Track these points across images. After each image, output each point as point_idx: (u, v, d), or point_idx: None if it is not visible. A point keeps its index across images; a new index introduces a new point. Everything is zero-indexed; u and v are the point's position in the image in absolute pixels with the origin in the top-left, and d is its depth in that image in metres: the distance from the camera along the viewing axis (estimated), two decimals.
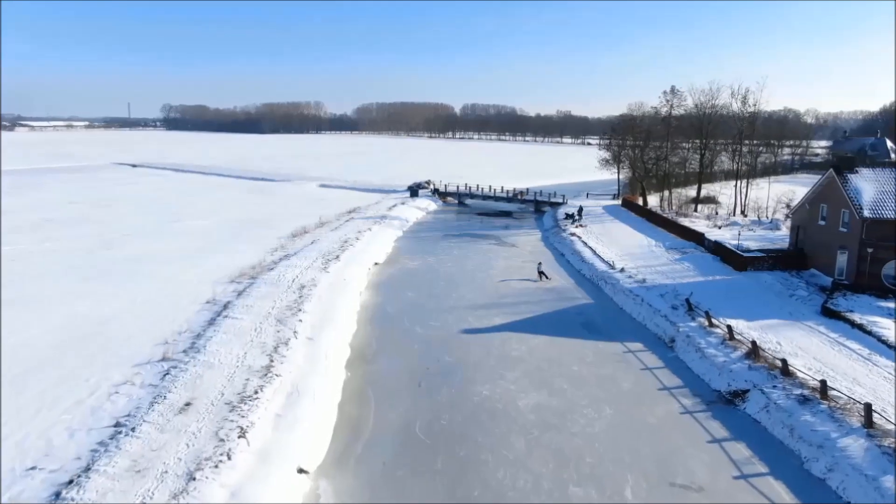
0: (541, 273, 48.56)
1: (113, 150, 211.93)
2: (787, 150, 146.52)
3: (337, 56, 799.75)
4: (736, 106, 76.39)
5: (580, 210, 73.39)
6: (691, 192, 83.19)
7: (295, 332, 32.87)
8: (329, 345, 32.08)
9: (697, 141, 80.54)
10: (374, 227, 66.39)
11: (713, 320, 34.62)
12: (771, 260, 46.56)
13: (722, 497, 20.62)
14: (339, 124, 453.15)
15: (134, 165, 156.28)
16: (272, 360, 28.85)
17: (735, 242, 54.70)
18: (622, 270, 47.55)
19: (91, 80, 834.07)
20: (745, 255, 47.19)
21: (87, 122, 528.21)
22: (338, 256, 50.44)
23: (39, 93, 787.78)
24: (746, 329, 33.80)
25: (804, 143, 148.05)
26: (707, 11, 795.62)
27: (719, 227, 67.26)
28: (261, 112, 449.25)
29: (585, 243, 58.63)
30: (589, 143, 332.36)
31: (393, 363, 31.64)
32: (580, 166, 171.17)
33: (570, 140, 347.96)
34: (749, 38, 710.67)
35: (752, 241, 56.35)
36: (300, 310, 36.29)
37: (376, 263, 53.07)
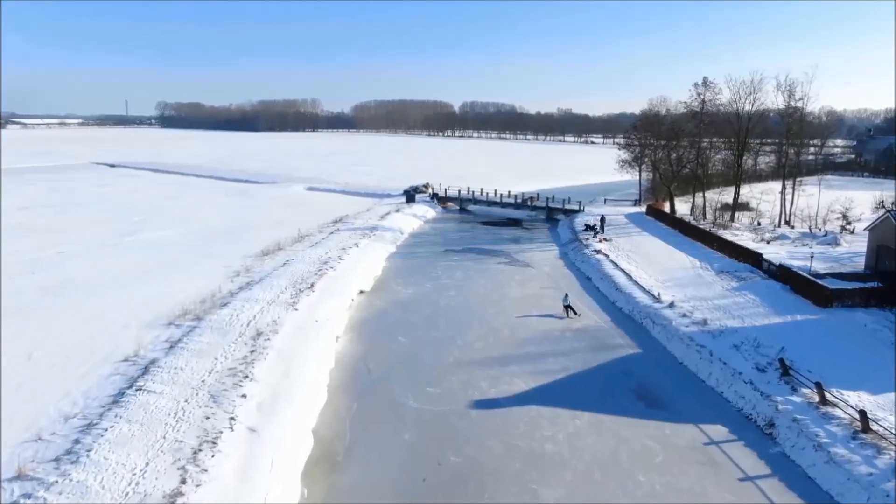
0: (568, 308, 38.48)
1: (98, 148, 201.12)
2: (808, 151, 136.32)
3: (334, 53, 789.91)
4: (780, 100, 66.26)
5: (602, 220, 63.23)
6: (720, 196, 73.02)
7: (233, 417, 22.77)
8: (280, 439, 21.98)
9: (733, 140, 70.46)
10: (361, 241, 56.23)
11: (826, 394, 24.54)
12: (865, 294, 36.46)
13: None
14: (337, 122, 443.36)
15: (112, 165, 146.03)
16: (184, 480, 18.74)
17: (799, 263, 44.82)
18: (671, 305, 37.42)
19: (89, 77, 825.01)
20: (831, 286, 37.07)
21: (80, 120, 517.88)
22: (312, 285, 40.27)
23: (37, 90, 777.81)
24: (876, 408, 23.77)
25: (826, 142, 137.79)
26: (706, 10, 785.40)
27: (767, 242, 57.32)
28: (256, 110, 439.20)
29: (616, 264, 48.50)
30: (592, 142, 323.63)
31: (372, 470, 21.53)
32: (588, 166, 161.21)
33: (572, 139, 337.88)
34: (742, 37, 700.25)
35: (813, 260, 46.47)
36: (247, 376, 26.15)
37: (361, 292, 42.96)
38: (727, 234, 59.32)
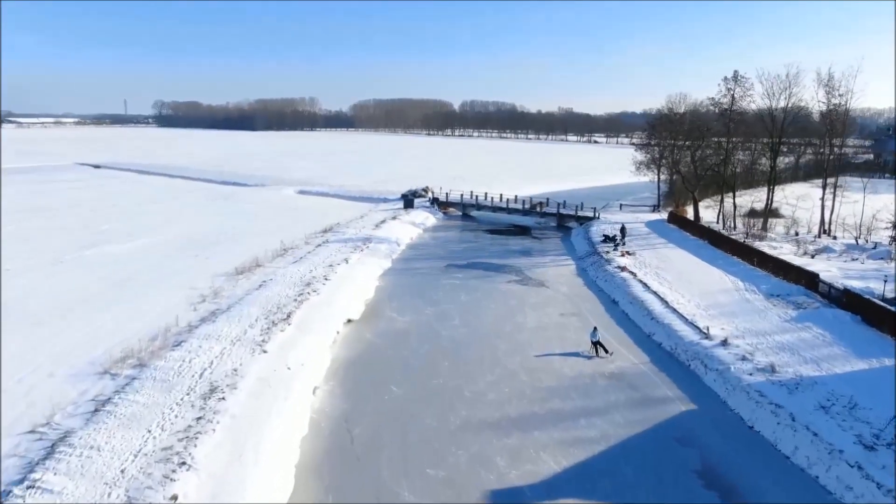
0: (597, 344, 31.79)
1: (87, 148, 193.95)
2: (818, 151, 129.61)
3: (333, 52, 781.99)
4: (821, 95, 59.48)
5: (623, 231, 56.44)
6: (741, 200, 66.23)
7: None
8: None
9: (765, 140, 63.85)
10: (352, 255, 49.48)
11: None
12: None
13: None
14: (335, 121, 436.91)
15: (97, 166, 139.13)
16: None
17: (859, 284, 38.31)
18: (725, 343, 30.68)
19: (88, 76, 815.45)
20: None
21: (77, 119, 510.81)
22: (289, 316, 33.51)
23: (35, 89, 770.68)
24: None
25: (845, 142, 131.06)
26: (705, 10, 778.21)
27: (812, 256, 50.68)
28: (254, 108, 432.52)
29: (646, 285, 41.77)
30: (595, 141, 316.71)
31: None
32: (594, 166, 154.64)
33: (574, 138, 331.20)
34: (742, 36, 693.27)
35: (872, 280, 39.94)
36: (184, 462, 19.42)
37: (349, 321, 36.24)
38: (764, 247, 52.64)
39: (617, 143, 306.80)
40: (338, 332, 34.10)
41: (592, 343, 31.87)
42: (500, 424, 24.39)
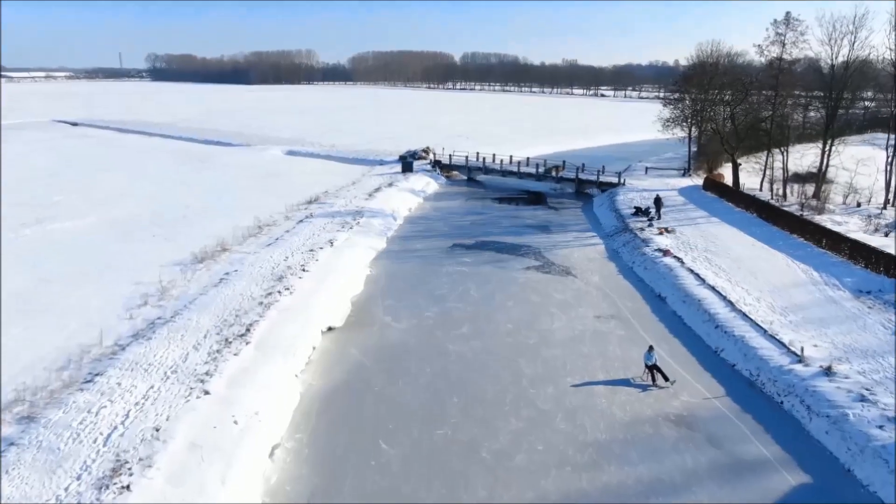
0: (652, 369, 24.03)
1: (71, 104, 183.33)
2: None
3: (331, 1, 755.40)
4: (889, 43, 50.19)
5: (658, 202, 48.10)
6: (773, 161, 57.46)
7: None
8: None
9: (822, 94, 55.03)
10: (339, 235, 41.45)
11: None
12: None
13: None
14: (333, 74, 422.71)
15: (75, 124, 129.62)
16: None
17: None
18: (828, 372, 22.82)
19: (83, 29, 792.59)
20: None
21: (69, 73, 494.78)
22: (249, 329, 25.70)
23: (31, 44, 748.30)
24: None
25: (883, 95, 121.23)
26: None
27: (885, 234, 42.58)
28: (250, 61, 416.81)
29: (699, 276, 33.72)
30: (602, 95, 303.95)
31: None
32: (607, 123, 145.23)
33: (580, 91, 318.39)
34: None
35: None
36: None
37: (330, 329, 28.45)
38: (826, 222, 44.62)
39: (625, 96, 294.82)
40: (314, 349, 26.33)
41: (647, 367, 24.13)
42: None
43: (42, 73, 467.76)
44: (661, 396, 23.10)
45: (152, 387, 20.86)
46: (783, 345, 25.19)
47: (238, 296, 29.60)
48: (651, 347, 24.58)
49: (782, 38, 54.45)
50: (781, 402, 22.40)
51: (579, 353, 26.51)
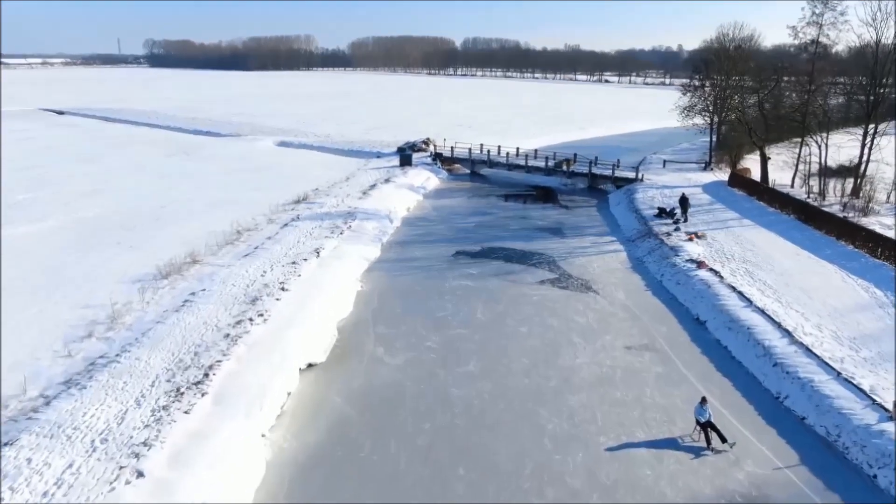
0: (706, 427, 19.30)
1: (59, 91, 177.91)
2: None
3: None
4: None
5: (685, 203, 43.12)
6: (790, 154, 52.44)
7: None
8: None
9: (862, 79, 49.88)
10: (328, 242, 36.64)
11: None
12: None
13: None
14: (332, 60, 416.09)
15: (60, 112, 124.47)
16: None
17: None
18: None
19: (82, 14, 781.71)
20: None
21: (66, 60, 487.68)
22: (207, 374, 20.94)
23: (31, 29, 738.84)
24: None
25: None
26: None
27: None
28: (248, 47, 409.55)
29: (743, 295, 28.90)
30: (607, 81, 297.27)
31: None
32: (614, 109, 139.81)
33: (584, 77, 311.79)
34: None
35: None
36: None
37: (309, 366, 23.69)
38: (874, 225, 39.71)
39: (630, 82, 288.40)
40: (288, 394, 21.60)
41: (700, 424, 19.40)
42: None
43: (39, 60, 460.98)
44: (720, 465, 18.36)
45: (71, 465, 16.16)
46: (865, 394, 20.41)
47: (201, 325, 24.84)
48: (704, 399, 19.79)
49: (819, 19, 49.23)
50: (874, 477, 17.67)
51: (611, 400, 21.76)
